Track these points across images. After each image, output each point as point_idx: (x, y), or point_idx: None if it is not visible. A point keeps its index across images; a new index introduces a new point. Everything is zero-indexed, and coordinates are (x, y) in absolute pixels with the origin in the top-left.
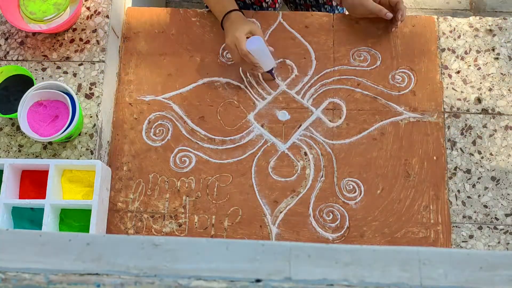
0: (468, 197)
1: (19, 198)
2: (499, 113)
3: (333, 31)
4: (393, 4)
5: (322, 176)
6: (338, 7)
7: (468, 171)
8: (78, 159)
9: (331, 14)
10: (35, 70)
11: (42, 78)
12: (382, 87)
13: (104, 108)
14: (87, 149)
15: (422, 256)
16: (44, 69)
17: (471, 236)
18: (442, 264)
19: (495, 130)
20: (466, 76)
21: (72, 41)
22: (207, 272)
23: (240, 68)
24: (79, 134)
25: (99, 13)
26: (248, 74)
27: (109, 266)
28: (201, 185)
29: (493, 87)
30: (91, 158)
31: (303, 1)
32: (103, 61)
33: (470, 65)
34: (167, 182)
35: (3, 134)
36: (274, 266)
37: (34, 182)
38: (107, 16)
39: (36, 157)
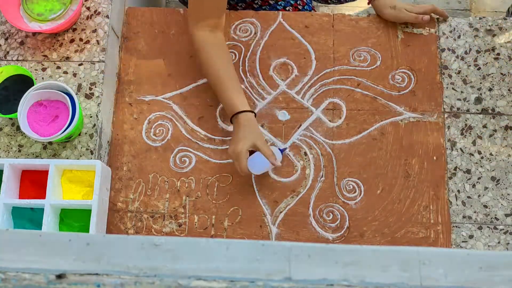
0: (468, 197)
1: (19, 198)
2: (499, 113)
3: (333, 31)
4: (430, 13)
5: (322, 176)
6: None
7: (468, 171)
8: (78, 159)
9: (331, 14)
10: (35, 70)
11: (42, 78)
12: (382, 87)
13: (104, 108)
14: (87, 149)
15: (422, 256)
16: (44, 69)
17: (471, 236)
18: (442, 264)
19: (495, 130)
20: (466, 76)
21: (72, 41)
22: (207, 272)
23: (240, 68)
24: (79, 134)
25: (99, 13)
26: (248, 74)
27: (109, 266)
28: (201, 185)
29: (493, 87)
30: (91, 158)
31: None
32: (103, 61)
33: (470, 65)
34: (167, 182)
35: (3, 134)
36: (274, 266)
37: (34, 182)
38: (107, 16)
39: (36, 157)
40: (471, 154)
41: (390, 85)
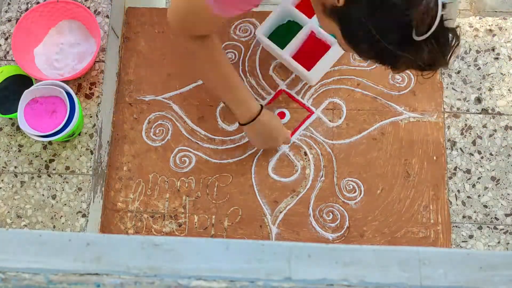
0: (468, 197)
1: None
2: (499, 113)
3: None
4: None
5: (322, 176)
6: None
7: (468, 171)
8: (78, 159)
9: None
10: None
11: None
12: (382, 87)
13: (104, 108)
14: (87, 149)
15: (422, 256)
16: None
17: (471, 236)
18: (442, 264)
19: (495, 130)
20: (466, 76)
21: None
22: (207, 272)
23: (240, 68)
24: (79, 134)
25: (99, 13)
26: (248, 74)
27: (109, 266)
28: (201, 185)
29: (493, 87)
30: (91, 158)
31: None
32: (103, 61)
33: (470, 65)
34: (167, 182)
35: (3, 134)
36: (274, 266)
37: None
38: (107, 16)
39: (36, 157)
40: (471, 154)
41: (390, 85)
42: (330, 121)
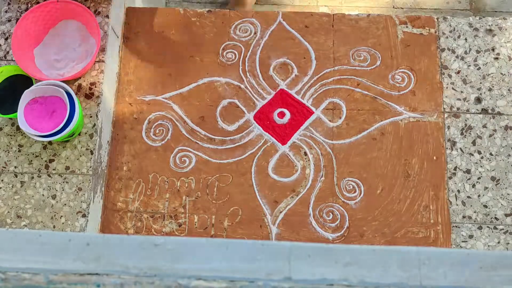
0: (468, 197)
1: None
2: (499, 113)
3: (333, 31)
4: None
5: (322, 176)
6: None
7: (468, 171)
8: (78, 159)
9: (331, 14)
10: None
11: None
12: (382, 87)
13: (104, 108)
14: (87, 149)
15: (422, 256)
16: None
17: (471, 236)
18: (442, 264)
19: (495, 130)
20: (466, 76)
21: None
22: (207, 272)
23: (240, 68)
24: (79, 134)
25: (99, 13)
26: (248, 74)
27: (109, 266)
28: (201, 185)
29: (493, 87)
30: (91, 158)
31: None
32: (103, 61)
33: (470, 65)
34: (167, 182)
35: (3, 134)
36: (274, 266)
37: None
38: (107, 16)
39: (36, 157)
40: (471, 154)
41: (390, 85)
42: (330, 121)
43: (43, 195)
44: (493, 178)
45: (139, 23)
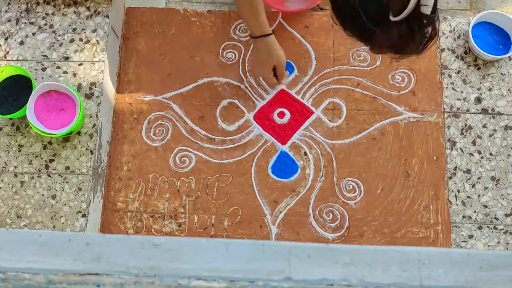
0: (468, 197)
1: None
2: (499, 113)
3: (333, 31)
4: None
5: (322, 176)
6: None
7: (468, 171)
8: (78, 159)
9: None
10: (35, 70)
11: (42, 78)
12: (382, 87)
13: (104, 108)
14: (87, 149)
15: (422, 256)
16: (44, 69)
17: (471, 236)
18: (442, 264)
19: (495, 130)
20: (466, 76)
21: (72, 41)
22: (207, 272)
23: (240, 68)
24: (79, 134)
25: (99, 13)
26: (248, 74)
27: (109, 266)
28: (201, 185)
29: (493, 87)
30: (91, 158)
31: None
32: (103, 61)
33: (470, 65)
34: (167, 182)
35: (3, 134)
36: (274, 266)
37: None
38: (107, 16)
39: (36, 157)
40: (471, 154)
41: (390, 85)
42: (330, 121)
43: (43, 195)
44: (493, 178)
45: (139, 23)
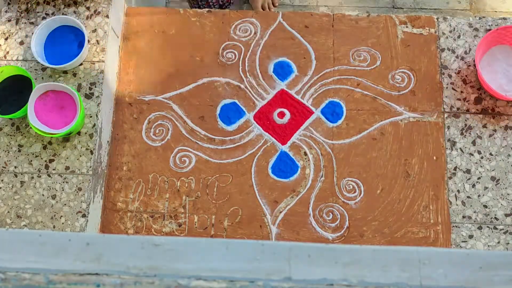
0: (468, 197)
1: None
2: (499, 113)
3: (333, 31)
4: None
5: (322, 176)
6: None
7: (468, 171)
8: (78, 159)
9: (331, 14)
10: (35, 70)
11: (42, 78)
12: (382, 87)
13: (104, 108)
14: (87, 149)
15: (422, 256)
16: (44, 69)
17: (470, 236)
18: (442, 264)
19: (495, 130)
20: (466, 76)
21: None
22: (207, 272)
23: (240, 68)
24: (79, 134)
25: (99, 13)
26: (248, 74)
27: (109, 266)
28: (201, 185)
29: None
30: (91, 158)
31: None
32: (103, 61)
33: (470, 65)
34: (167, 182)
35: (3, 134)
36: (274, 266)
37: None
38: (107, 16)
39: (36, 157)
40: (471, 154)
41: (390, 85)
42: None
43: (43, 195)
44: (493, 178)
45: (139, 23)
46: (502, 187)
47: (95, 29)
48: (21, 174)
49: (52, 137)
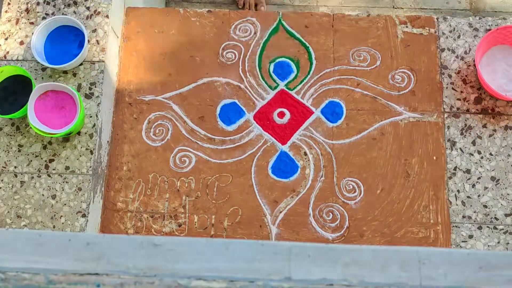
0: (468, 197)
1: None
2: (499, 113)
3: (333, 31)
4: None
5: (322, 176)
6: None
7: (468, 171)
8: (78, 159)
9: (331, 14)
10: (35, 70)
11: (42, 78)
12: (382, 87)
13: (104, 108)
14: (87, 149)
15: (422, 256)
16: (44, 69)
17: (470, 236)
18: (442, 264)
19: (495, 130)
20: (466, 76)
21: None
22: (207, 272)
23: (240, 68)
24: (79, 134)
25: (99, 13)
26: (248, 74)
27: (109, 266)
28: (201, 185)
29: None
30: (91, 158)
31: None
32: (103, 61)
33: (470, 65)
34: (167, 182)
35: (3, 134)
36: (274, 266)
37: None
38: (107, 16)
39: (36, 157)
40: (471, 154)
41: (390, 85)
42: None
43: (43, 195)
44: (493, 178)
45: (139, 23)
46: (502, 187)
47: (95, 29)
48: (21, 174)
49: (52, 137)
